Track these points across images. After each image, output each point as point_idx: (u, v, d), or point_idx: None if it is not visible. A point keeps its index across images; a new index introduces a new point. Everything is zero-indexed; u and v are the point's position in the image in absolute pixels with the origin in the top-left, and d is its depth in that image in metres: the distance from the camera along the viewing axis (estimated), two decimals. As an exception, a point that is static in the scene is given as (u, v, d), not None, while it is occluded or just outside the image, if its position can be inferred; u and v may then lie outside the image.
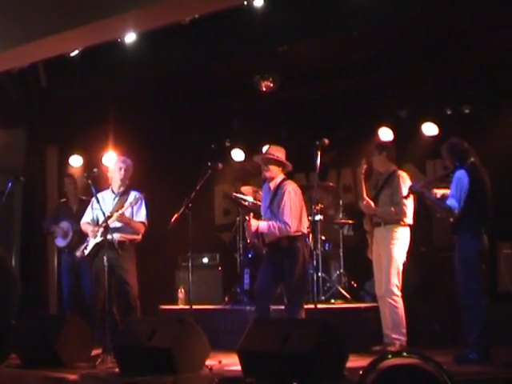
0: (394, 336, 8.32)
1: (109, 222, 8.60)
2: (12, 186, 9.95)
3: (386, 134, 10.70)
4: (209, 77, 10.73)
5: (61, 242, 10.43)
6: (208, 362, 7.53)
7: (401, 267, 8.40)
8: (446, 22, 8.80)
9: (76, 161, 11.83)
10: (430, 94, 10.31)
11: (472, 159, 7.71)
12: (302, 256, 8.23)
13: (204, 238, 8.76)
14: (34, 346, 8.28)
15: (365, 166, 8.79)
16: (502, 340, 8.10)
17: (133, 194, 8.98)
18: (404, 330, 8.30)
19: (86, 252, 8.83)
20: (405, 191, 8.25)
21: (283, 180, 8.46)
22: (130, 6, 7.78)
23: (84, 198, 10.40)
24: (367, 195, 8.68)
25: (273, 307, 9.36)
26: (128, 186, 9.10)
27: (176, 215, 8.37)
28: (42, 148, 11.57)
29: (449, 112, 10.34)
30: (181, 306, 10.50)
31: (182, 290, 10.63)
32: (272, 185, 8.43)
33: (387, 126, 10.71)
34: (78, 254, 8.98)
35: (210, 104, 11.64)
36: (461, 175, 7.56)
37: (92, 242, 8.79)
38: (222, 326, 9.06)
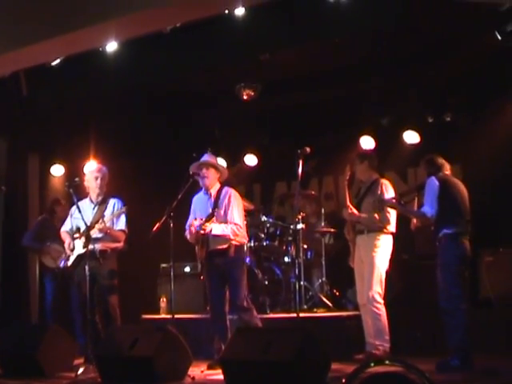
0: (377, 343, 8.34)
1: (90, 232, 8.58)
2: (-7, 195, 9.91)
3: (367, 143, 10.74)
4: (190, 85, 10.73)
5: (53, 263, 10.33)
6: (190, 372, 7.50)
7: (383, 275, 8.43)
8: (427, 30, 8.85)
9: (57, 170, 11.77)
10: (411, 102, 10.36)
11: (446, 172, 7.78)
12: (244, 265, 8.52)
13: (186, 247, 8.71)
14: (16, 355, 8.24)
15: (349, 174, 8.82)
16: (482, 347, 8.14)
17: (112, 202, 8.95)
18: (387, 337, 8.33)
19: (69, 263, 8.80)
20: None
21: (222, 186, 8.54)
22: (111, 15, 7.78)
23: None
24: (350, 203, 8.70)
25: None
26: (106, 193, 9.07)
27: (157, 224, 8.35)
28: (24, 157, 11.50)
29: (430, 120, 10.39)
30: (163, 315, 10.46)
31: (164, 299, 10.59)
32: (213, 191, 8.47)
33: (369, 134, 10.76)
34: (61, 264, 8.96)
35: (191, 112, 11.64)
36: (430, 181, 7.69)
37: (75, 253, 8.76)
38: (204, 335, 9.03)
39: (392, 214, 8.43)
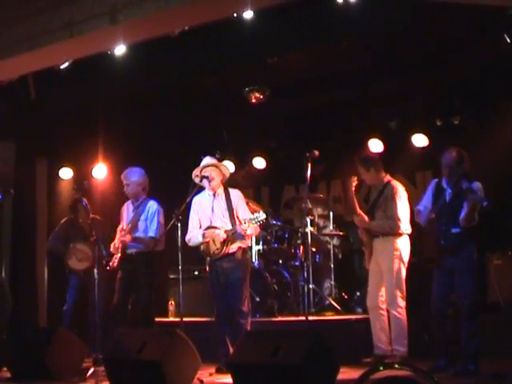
0: (395, 347, 8.30)
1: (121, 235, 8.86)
2: (1, 198, 9.92)
3: (376, 146, 10.73)
4: (198, 88, 10.73)
5: (78, 265, 10.32)
6: (199, 375, 7.50)
7: (403, 278, 8.38)
8: (435, 34, 8.83)
9: (66, 173, 11.79)
10: (419, 105, 10.35)
11: None
12: (249, 268, 8.52)
13: (194, 250, 8.71)
14: (24, 359, 8.24)
15: (355, 183, 8.77)
16: (491, 351, 8.12)
17: (148, 205, 9.11)
18: (406, 342, 8.26)
19: (115, 264, 9.01)
20: (400, 203, 8.35)
21: (227, 187, 8.59)
22: (119, 19, 7.80)
23: (96, 216, 10.25)
24: (360, 209, 8.66)
25: (263, 319, 9.39)
26: (145, 196, 9.22)
27: (166, 228, 8.35)
28: (32, 160, 11.53)
29: (438, 123, 10.37)
30: (171, 319, 10.48)
31: (173, 303, 10.61)
32: (219, 192, 8.48)
33: (377, 137, 10.74)
34: (108, 267, 9.06)
35: (199, 116, 11.64)
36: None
37: (118, 255, 8.99)
38: (213, 338, 9.02)
39: (404, 217, 8.39)
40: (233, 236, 8.24)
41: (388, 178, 8.67)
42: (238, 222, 8.27)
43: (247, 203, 9.45)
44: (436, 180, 8.01)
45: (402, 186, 8.61)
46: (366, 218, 8.55)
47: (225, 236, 8.23)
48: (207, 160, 8.58)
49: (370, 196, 8.94)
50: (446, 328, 7.67)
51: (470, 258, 7.54)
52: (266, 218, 8.18)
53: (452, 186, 7.69)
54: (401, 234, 8.41)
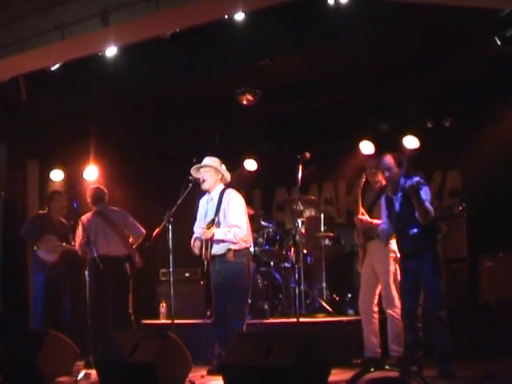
0: (392, 347, 8.32)
1: None
2: (-8, 200, 9.91)
3: (367, 148, 10.74)
4: (190, 90, 10.73)
5: (48, 257, 10.32)
6: (190, 377, 7.50)
7: (399, 279, 8.39)
8: (427, 36, 8.85)
9: (57, 175, 11.75)
10: (410, 107, 10.36)
11: None
12: (247, 270, 8.30)
13: (185, 252, 8.71)
14: (15, 361, 8.23)
15: (364, 180, 8.76)
16: (483, 352, 8.14)
17: None
18: (403, 342, 8.27)
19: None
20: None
21: (225, 188, 8.48)
22: (111, 21, 7.80)
23: (64, 220, 10.55)
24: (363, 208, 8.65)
25: (255, 321, 9.38)
26: None
27: (157, 229, 8.34)
28: (23, 162, 11.51)
29: (430, 125, 10.38)
30: (163, 321, 10.47)
31: (164, 305, 10.60)
32: (214, 194, 8.43)
33: (369, 139, 10.75)
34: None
35: (191, 117, 11.63)
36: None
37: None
38: (204, 340, 9.02)
39: None
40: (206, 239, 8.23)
41: None
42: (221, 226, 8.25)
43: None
44: (384, 196, 8.02)
45: None
46: (368, 217, 8.52)
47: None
48: (204, 161, 8.55)
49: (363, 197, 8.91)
50: (416, 331, 7.63)
51: (432, 261, 7.50)
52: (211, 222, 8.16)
53: (396, 191, 7.69)
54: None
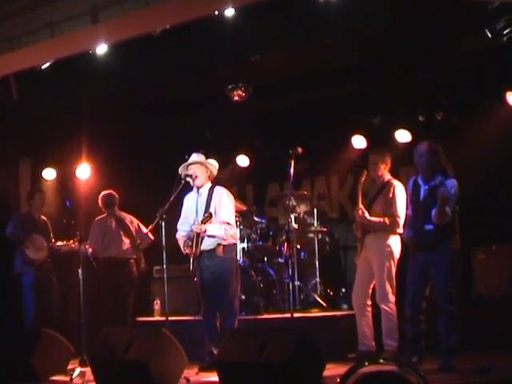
0: (387, 342, 8.35)
1: None
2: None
3: (359, 142, 10.75)
4: (181, 87, 10.70)
5: (34, 255, 10.33)
6: (185, 374, 7.49)
7: (393, 274, 8.41)
8: (417, 29, 8.84)
9: (49, 174, 11.73)
10: (402, 101, 10.36)
11: None
12: (235, 265, 8.47)
13: (179, 249, 8.70)
14: (9, 360, 8.22)
15: (365, 176, 8.76)
16: (476, 345, 8.16)
17: None
18: (397, 336, 8.31)
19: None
20: (399, 202, 8.40)
21: (214, 185, 8.51)
22: (101, 18, 7.78)
23: (45, 218, 10.73)
24: (362, 204, 8.65)
25: (249, 317, 9.38)
26: None
27: (150, 226, 8.33)
28: (15, 161, 11.49)
29: (421, 119, 10.39)
30: (157, 318, 10.45)
31: (158, 302, 10.58)
32: (203, 191, 8.45)
33: (360, 133, 10.75)
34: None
35: (182, 114, 11.61)
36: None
37: None
38: (198, 337, 9.01)
39: (402, 218, 8.40)
40: (197, 235, 8.24)
41: (389, 177, 8.69)
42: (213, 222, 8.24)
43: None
44: (413, 178, 8.03)
45: (403, 186, 8.59)
46: (367, 214, 8.53)
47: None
48: (193, 157, 8.56)
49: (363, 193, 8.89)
50: (418, 323, 7.67)
51: (444, 254, 7.55)
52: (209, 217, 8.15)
53: (426, 182, 7.72)
54: (395, 232, 8.44)
